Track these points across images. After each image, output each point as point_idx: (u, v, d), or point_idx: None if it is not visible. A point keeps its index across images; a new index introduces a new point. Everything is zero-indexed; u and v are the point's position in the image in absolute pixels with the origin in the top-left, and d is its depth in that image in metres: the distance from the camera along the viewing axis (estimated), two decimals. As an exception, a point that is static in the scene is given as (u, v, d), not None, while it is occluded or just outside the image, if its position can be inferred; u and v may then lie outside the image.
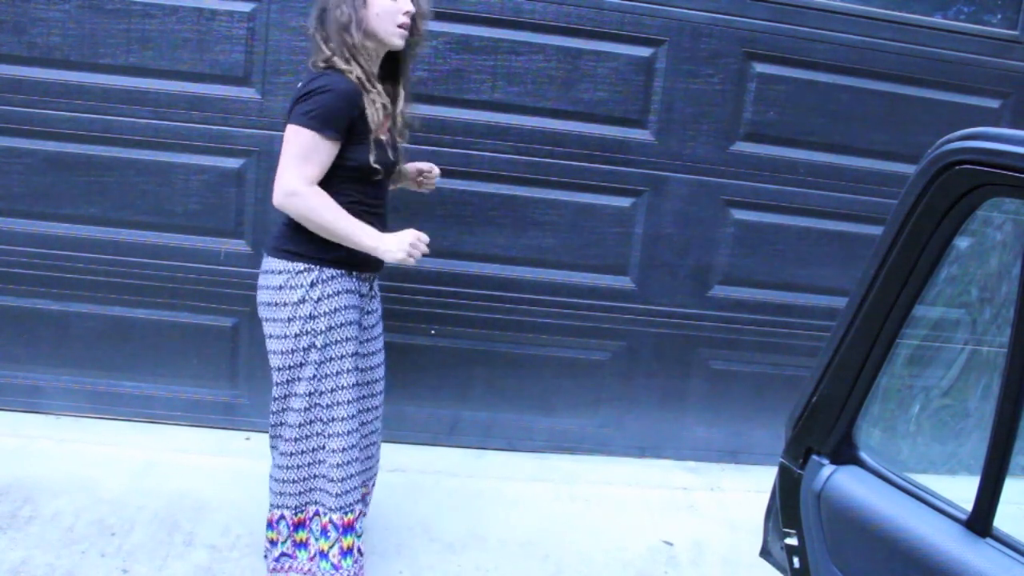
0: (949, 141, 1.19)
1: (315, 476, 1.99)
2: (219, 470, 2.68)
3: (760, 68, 2.88)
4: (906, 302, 1.28)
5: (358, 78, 1.90)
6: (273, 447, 2.04)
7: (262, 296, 1.97)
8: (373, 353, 2.14)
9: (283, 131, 1.85)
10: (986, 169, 1.13)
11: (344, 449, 1.97)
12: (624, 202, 2.92)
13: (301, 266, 1.90)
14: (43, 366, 2.85)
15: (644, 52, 2.82)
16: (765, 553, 1.57)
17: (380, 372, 2.18)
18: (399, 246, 1.88)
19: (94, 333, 2.84)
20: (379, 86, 1.97)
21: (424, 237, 1.93)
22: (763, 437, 3.09)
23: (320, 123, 1.83)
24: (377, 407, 2.18)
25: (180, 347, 2.87)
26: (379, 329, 2.17)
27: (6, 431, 2.74)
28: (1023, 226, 1.55)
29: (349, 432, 1.97)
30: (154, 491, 2.52)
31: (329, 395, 1.94)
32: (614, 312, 2.98)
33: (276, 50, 2.69)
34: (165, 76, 2.68)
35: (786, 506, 1.46)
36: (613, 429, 3.08)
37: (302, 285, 1.90)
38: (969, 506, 1.16)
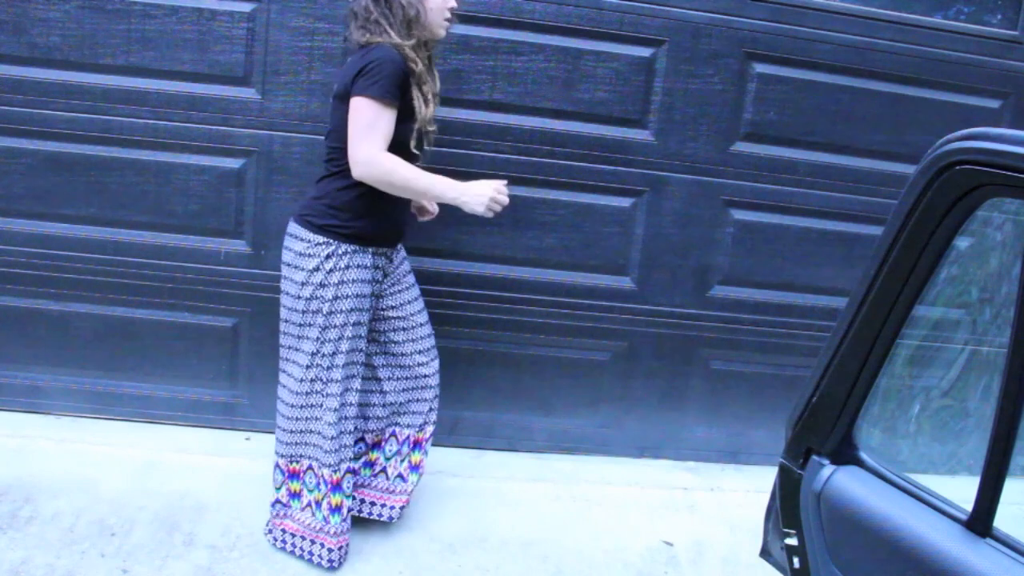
0: (949, 141, 1.19)
1: (311, 431, 2.22)
2: (219, 470, 2.68)
3: (760, 68, 2.88)
4: (906, 302, 1.28)
5: (419, 68, 2.11)
6: (278, 397, 2.27)
7: (284, 256, 2.20)
8: (414, 314, 2.39)
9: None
10: (986, 169, 1.13)
11: (336, 409, 2.19)
12: (624, 202, 2.92)
13: (321, 239, 2.12)
14: (43, 366, 2.85)
15: (644, 52, 2.82)
16: (765, 553, 1.57)
17: (424, 327, 2.42)
18: (479, 200, 2.09)
19: (94, 333, 2.84)
20: (431, 76, 2.21)
21: (504, 189, 2.12)
22: (763, 437, 3.09)
23: (381, 91, 2.02)
24: (422, 363, 2.40)
25: (180, 347, 2.87)
26: (409, 282, 2.40)
27: (6, 431, 2.74)
28: (1023, 226, 1.55)
29: (343, 392, 2.21)
30: (154, 491, 2.52)
31: (330, 358, 2.17)
32: (614, 312, 2.98)
33: (276, 50, 2.69)
34: (165, 76, 2.68)
35: (786, 506, 1.46)
36: (613, 429, 3.08)
37: (319, 256, 2.12)
38: (969, 506, 1.16)
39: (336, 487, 2.22)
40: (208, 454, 2.76)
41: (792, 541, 1.45)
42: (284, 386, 2.24)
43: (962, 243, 1.35)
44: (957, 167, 1.17)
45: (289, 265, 2.18)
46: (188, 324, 2.85)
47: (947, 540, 1.15)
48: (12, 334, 2.83)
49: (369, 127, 2.03)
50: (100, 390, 2.88)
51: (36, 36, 2.63)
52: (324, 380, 2.18)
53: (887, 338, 1.30)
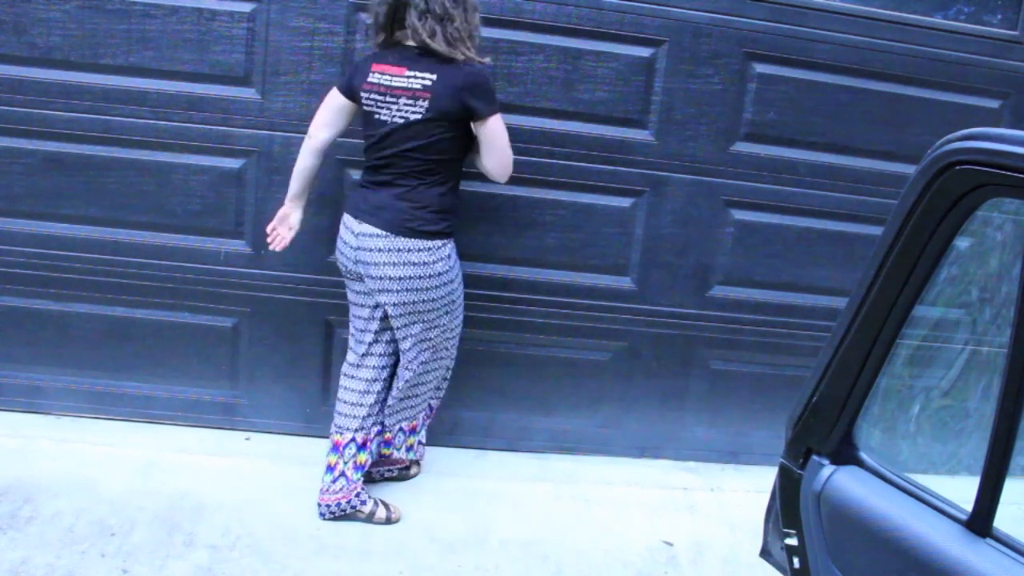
0: (949, 141, 1.19)
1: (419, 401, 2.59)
2: (219, 470, 2.68)
3: (760, 68, 2.88)
4: (906, 302, 1.28)
5: None
6: (409, 380, 2.48)
7: (403, 271, 2.32)
8: None
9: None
10: (986, 169, 1.13)
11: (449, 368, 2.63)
12: (624, 202, 2.92)
13: (438, 242, 2.34)
14: (43, 366, 2.85)
15: (644, 52, 2.82)
16: (765, 553, 1.57)
17: None
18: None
19: (94, 333, 2.84)
20: None
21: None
22: (763, 437, 3.09)
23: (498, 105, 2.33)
24: None
25: (180, 347, 2.87)
26: None
27: (6, 431, 2.74)
28: (1023, 226, 1.55)
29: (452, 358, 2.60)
30: (154, 491, 2.52)
31: (456, 329, 2.53)
32: (614, 312, 2.98)
33: (276, 50, 2.69)
34: (165, 76, 2.68)
35: (786, 506, 1.46)
36: (613, 429, 3.08)
37: (444, 257, 2.36)
38: (969, 506, 1.16)
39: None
40: (208, 454, 2.76)
41: (792, 541, 1.45)
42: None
43: (962, 243, 1.34)
44: (957, 167, 1.17)
45: (413, 278, 2.32)
46: (188, 324, 2.85)
47: (947, 540, 1.15)
48: (12, 334, 2.83)
49: (506, 138, 2.34)
50: (100, 390, 2.88)
51: (36, 36, 2.63)
52: (446, 350, 2.54)
53: (887, 338, 1.30)
